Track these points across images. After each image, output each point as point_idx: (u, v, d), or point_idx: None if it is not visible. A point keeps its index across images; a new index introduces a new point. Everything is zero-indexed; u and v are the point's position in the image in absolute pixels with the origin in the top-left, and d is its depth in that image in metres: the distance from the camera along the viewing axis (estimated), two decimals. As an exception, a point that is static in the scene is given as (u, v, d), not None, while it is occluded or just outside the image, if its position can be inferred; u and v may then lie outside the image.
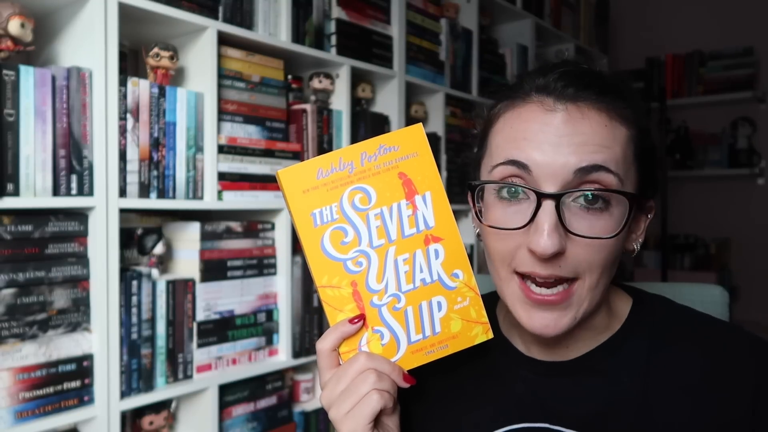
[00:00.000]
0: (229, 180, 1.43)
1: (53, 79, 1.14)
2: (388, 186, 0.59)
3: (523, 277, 0.60)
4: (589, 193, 0.57)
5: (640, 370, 0.63)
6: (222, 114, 1.44)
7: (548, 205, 0.57)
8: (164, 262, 1.42)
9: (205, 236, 1.41)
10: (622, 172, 0.58)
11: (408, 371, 0.60)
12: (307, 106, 1.63)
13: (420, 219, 0.60)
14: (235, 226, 1.47)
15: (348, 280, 0.59)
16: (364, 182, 0.59)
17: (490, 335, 0.62)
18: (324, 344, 0.59)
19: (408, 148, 0.60)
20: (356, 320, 0.59)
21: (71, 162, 1.16)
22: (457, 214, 0.74)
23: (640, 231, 0.66)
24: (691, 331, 0.64)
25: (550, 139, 0.58)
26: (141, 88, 1.27)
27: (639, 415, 0.61)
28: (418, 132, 0.60)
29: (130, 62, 1.46)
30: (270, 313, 1.53)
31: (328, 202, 0.59)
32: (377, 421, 0.58)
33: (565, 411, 0.64)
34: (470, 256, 2.15)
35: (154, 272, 1.32)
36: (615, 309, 0.68)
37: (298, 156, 1.60)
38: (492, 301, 0.76)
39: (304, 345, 1.58)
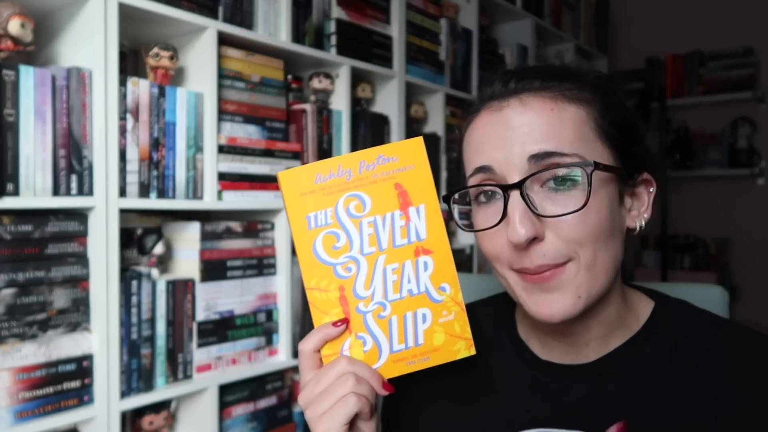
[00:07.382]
0: (229, 180, 1.43)
1: (53, 79, 1.14)
2: (383, 195, 0.60)
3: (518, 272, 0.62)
4: (546, 173, 0.59)
5: (662, 373, 0.62)
6: (222, 114, 1.44)
7: (514, 195, 0.59)
8: (164, 262, 1.42)
9: (205, 236, 1.41)
10: (582, 150, 0.60)
11: (387, 380, 0.60)
12: (307, 106, 1.63)
13: (412, 230, 0.60)
14: (235, 226, 1.47)
15: (336, 284, 0.60)
16: (360, 190, 0.60)
17: (473, 351, 0.62)
18: (306, 345, 0.59)
19: (406, 159, 0.60)
20: (339, 324, 0.59)
21: (71, 162, 1.16)
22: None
23: (644, 207, 0.65)
24: (714, 334, 0.64)
25: (501, 134, 0.61)
26: (141, 88, 1.27)
27: (660, 418, 0.61)
28: (417, 145, 0.61)
29: (130, 62, 1.46)
30: (270, 313, 1.53)
31: (324, 207, 0.59)
32: (352, 424, 0.58)
33: (580, 415, 0.64)
34: (469, 257, 2.15)
35: (154, 272, 1.32)
36: (635, 310, 0.67)
37: (297, 156, 1.60)
38: (510, 303, 0.76)
39: (304, 345, 1.58)
